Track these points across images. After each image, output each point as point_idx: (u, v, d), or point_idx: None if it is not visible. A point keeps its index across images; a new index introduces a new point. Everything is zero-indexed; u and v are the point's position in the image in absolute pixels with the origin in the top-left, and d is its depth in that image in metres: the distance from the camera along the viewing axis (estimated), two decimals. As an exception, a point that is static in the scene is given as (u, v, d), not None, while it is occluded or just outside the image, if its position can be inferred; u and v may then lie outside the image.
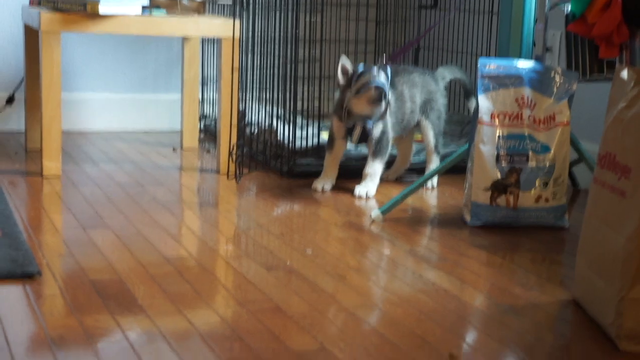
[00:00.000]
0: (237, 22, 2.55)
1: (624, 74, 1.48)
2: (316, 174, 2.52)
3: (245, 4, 2.67)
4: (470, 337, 1.45)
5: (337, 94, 2.46)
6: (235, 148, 2.56)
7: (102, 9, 2.41)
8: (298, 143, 2.62)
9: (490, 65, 2.11)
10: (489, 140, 2.08)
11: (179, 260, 1.77)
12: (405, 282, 1.70)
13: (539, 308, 1.58)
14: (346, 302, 1.57)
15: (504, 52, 2.19)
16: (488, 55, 2.80)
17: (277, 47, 2.74)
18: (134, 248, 1.83)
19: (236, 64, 2.56)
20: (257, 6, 2.77)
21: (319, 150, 2.61)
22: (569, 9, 2.11)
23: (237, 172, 2.53)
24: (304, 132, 2.65)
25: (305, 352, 1.34)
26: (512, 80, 2.10)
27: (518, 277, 1.75)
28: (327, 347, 1.36)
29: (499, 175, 2.07)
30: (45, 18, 2.40)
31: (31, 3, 2.66)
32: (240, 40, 2.59)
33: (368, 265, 1.81)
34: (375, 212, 2.13)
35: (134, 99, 3.29)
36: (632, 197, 1.35)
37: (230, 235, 2.01)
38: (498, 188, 2.07)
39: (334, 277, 1.71)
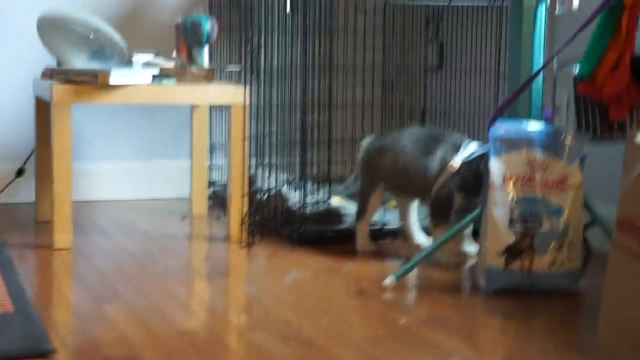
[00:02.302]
0: (247, 89, 2.56)
1: (639, 138, 1.47)
2: (327, 241, 2.51)
3: (254, 71, 2.69)
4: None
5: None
6: (247, 216, 2.55)
7: (113, 80, 2.43)
8: (308, 209, 2.61)
9: (501, 128, 2.11)
10: (501, 204, 2.07)
11: (193, 333, 1.75)
12: (424, 353, 1.68)
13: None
14: (364, 374, 1.54)
15: (513, 114, 2.19)
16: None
17: (286, 112, 2.76)
18: (147, 321, 1.81)
19: (246, 132, 2.57)
20: (266, 73, 2.79)
21: (328, 216, 2.61)
22: (577, 69, 2.12)
23: (249, 239, 2.52)
24: (314, 198, 2.64)
25: None
26: (523, 142, 2.09)
27: (536, 345, 1.72)
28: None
29: (513, 239, 2.05)
30: (57, 90, 2.41)
31: (44, 76, 2.67)
32: (250, 107, 2.60)
33: (384, 336, 1.78)
34: (388, 279, 2.11)
35: (143, 167, 3.29)
36: (653, 263, 1.34)
37: (242, 305, 1.99)
38: (512, 252, 2.05)
39: (351, 348, 1.68)
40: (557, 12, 2.31)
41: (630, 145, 1.50)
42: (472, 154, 2.31)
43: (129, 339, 1.70)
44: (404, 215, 2.52)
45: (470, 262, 2.35)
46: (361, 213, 2.48)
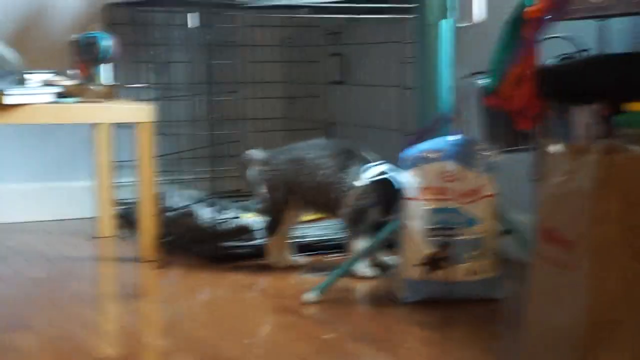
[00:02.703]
0: (151, 106, 2.52)
1: (553, 148, 1.50)
2: (241, 257, 2.48)
3: (159, 88, 2.64)
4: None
5: None
6: (160, 235, 2.50)
7: (7, 99, 2.34)
8: (220, 226, 2.57)
9: (412, 143, 2.13)
10: (417, 216, 2.08)
11: (114, 361, 1.69)
12: (349, 368, 1.67)
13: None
14: (294, 394, 1.52)
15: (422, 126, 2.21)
16: (401, 129, 2.82)
17: (191, 128, 2.72)
18: (62, 350, 1.75)
19: (152, 149, 2.52)
20: (171, 89, 2.75)
21: (240, 233, 2.57)
22: (484, 82, 2.15)
23: (162, 259, 2.47)
24: (225, 215, 2.61)
25: None
26: (435, 154, 2.12)
27: (457, 354, 1.74)
28: None
29: (430, 250, 2.07)
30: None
31: None
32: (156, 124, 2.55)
33: (311, 352, 1.76)
34: (308, 294, 2.10)
35: (40, 188, 3.19)
36: (576, 270, 1.36)
37: (161, 328, 1.94)
38: (430, 263, 2.07)
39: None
40: (458, 24, 2.35)
41: (544, 155, 1.53)
42: (381, 168, 2.33)
43: (45, 369, 1.63)
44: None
45: (388, 272, 2.35)
46: (273, 228, 2.46)
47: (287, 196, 2.43)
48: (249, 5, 2.75)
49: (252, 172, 2.45)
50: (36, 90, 2.43)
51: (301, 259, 2.48)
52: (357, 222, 2.32)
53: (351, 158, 2.39)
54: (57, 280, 2.31)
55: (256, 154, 2.48)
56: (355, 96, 3.17)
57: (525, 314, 1.54)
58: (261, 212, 2.51)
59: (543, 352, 1.46)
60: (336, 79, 3.20)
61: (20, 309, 2.04)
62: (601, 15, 1.96)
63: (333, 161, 2.39)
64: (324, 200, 2.39)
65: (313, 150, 2.43)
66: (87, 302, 2.11)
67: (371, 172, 2.34)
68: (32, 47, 3.08)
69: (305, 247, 2.54)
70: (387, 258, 2.41)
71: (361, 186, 2.32)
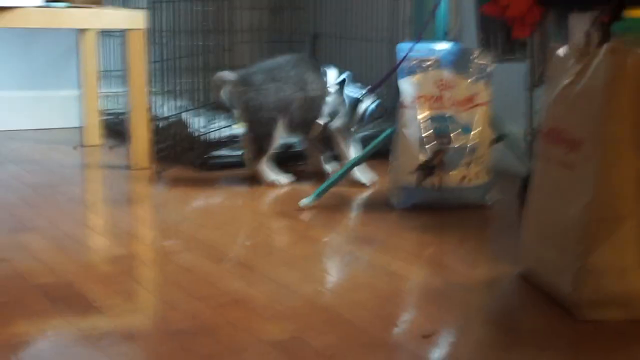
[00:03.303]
0: (143, 13, 2.50)
1: (561, 51, 1.53)
2: (231, 166, 2.50)
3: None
4: (435, 315, 1.47)
5: None
6: (154, 143, 2.51)
7: (2, 1, 2.31)
8: (211, 135, 2.59)
9: (409, 49, 2.15)
10: (412, 124, 2.11)
11: (121, 259, 1.72)
12: (353, 267, 1.72)
13: (486, 283, 1.62)
14: (303, 290, 1.56)
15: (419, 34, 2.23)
16: (392, 40, 2.83)
17: (182, 38, 2.71)
18: (70, 249, 1.77)
19: (144, 57, 2.51)
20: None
21: (232, 142, 2.59)
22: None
23: (157, 167, 2.49)
24: (216, 124, 2.62)
25: (278, 342, 1.33)
26: (430, 63, 2.14)
27: (455, 255, 1.79)
28: (299, 335, 1.36)
29: (424, 157, 2.11)
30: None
31: None
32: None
33: (311, 253, 1.81)
34: (304, 200, 2.13)
35: (23, 96, 3.17)
36: (583, 168, 1.41)
37: (162, 230, 1.97)
38: (424, 170, 2.11)
39: (282, 266, 1.70)
40: None
41: (553, 59, 1.56)
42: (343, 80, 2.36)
43: (55, 267, 1.66)
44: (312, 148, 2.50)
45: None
46: (262, 152, 2.38)
47: (274, 115, 2.37)
48: None
49: (225, 94, 2.39)
50: (28, -5, 2.40)
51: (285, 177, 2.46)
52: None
53: (315, 72, 2.40)
54: (53, 186, 2.32)
55: (228, 75, 2.39)
56: (344, 7, 3.16)
57: (527, 212, 1.59)
58: (246, 137, 2.42)
59: (545, 249, 1.52)
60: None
61: (22, 213, 2.05)
62: None
63: (315, 74, 2.39)
64: (312, 115, 2.39)
65: (289, 66, 2.40)
66: (86, 206, 2.13)
67: (332, 78, 2.39)
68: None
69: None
70: (362, 175, 2.41)
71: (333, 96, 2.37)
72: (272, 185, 2.36)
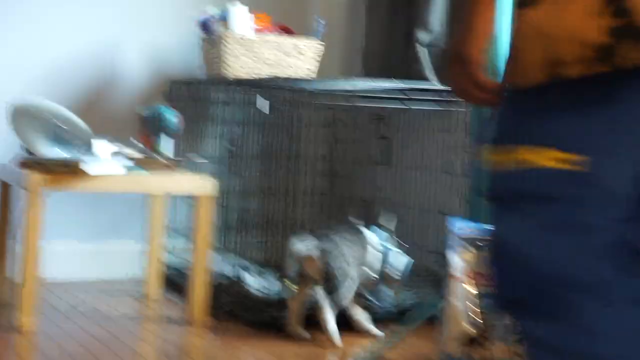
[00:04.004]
0: (215, 180, 2.69)
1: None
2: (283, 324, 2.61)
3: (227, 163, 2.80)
4: None
5: None
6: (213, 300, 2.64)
7: (92, 171, 2.50)
8: (269, 295, 2.71)
9: (460, 225, 2.28)
10: (461, 296, 2.22)
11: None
12: None
13: None
14: None
15: (475, 214, 2.37)
16: (448, 213, 2.96)
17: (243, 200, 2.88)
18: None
19: (211, 219, 2.68)
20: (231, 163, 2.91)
21: (283, 300, 2.71)
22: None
23: (215, 323, 2.61)
24: (273, 284, 2.75)
25: None
26: (483, 242, 2.26)
27: None
28: None
29: (471, 330, 2.20)
30: (34, 177, 2.48)
31: (22, 165, 2.64)
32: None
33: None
34: (356, 364, 2.23)
35: (93, 248, 3.33)
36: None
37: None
38: (473, 343, 2.20)
39: None
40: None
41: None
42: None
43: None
44: None
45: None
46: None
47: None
48: (304, 88, 2.94)
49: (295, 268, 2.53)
50: (113, 161, 2.59)
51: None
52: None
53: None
54: (115, 338, 2.44)
55: (307, 250, 2.52)
56: (398, 178, 3.33)
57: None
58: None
59: None
60: (382, 160, 3.36)
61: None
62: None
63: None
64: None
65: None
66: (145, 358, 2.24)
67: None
68: (97, 116, 3.26)
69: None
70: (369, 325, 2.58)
71: None
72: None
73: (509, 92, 1.09)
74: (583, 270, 0.99)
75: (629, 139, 0.99)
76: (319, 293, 2.47)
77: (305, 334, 2.53)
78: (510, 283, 1.04)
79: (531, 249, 1.02)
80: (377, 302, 2.69)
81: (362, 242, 2.63)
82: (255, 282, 2.77)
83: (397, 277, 2.67)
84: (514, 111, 1.07)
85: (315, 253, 2.48)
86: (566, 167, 1.00)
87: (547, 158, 1.00)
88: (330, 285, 2.48)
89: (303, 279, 2.51)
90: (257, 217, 2.86)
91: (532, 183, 1.03)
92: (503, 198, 1.06)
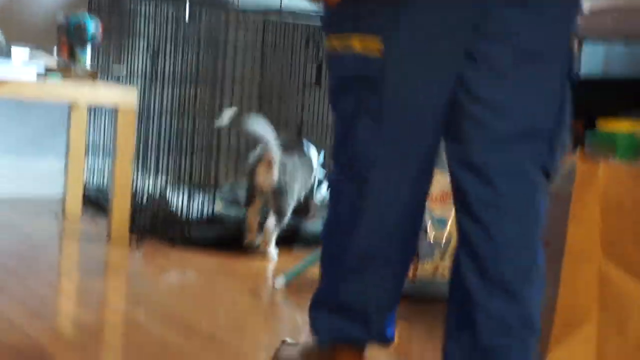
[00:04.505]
0: (135, 91, 2.57)
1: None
2: (210, 243, 2.54)
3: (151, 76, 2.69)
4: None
5: None
6: (133, 217, 2.55)
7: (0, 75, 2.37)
8: (192, 213, 2.64)
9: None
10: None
11: (93, 327, 1.75)
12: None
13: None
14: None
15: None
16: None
17: (168, 118, 2.78)
18: (42, 314, 1.79)
19: (132, 134, 2.57)
20: (151, 78, 2.80)
21: (213, 220, 2.64)
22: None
23: (135, 240, 2.52)
24: (198, 203, 2.67)
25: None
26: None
27: (417, 347, 1.82)
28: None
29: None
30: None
31: None
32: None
33: (286, 333, 1.84)
34: (278, 281, 2.17)
35: (10, 163, 3.21)
36: (549, 269, 1.46)
37: (137, 301, 2.00)
38: (398, 260, 2.16)
39: (256, 345, 1.73)
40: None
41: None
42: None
43: (26, 329, 1.68)
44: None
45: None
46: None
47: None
48: (234, 6, 2.82)
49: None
50: (22, 67, 2.46)
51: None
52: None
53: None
54: (31, 253, 2.34)
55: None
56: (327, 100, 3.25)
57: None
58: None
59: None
60: (312, 81, 3.28)
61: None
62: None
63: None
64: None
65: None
66: (62, 274, 2.15)
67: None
68: (14, 22, 3.10)
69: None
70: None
71: None
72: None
73: None
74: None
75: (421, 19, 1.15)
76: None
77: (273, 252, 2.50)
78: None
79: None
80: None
81: (310, 165, 2.64)
82: (178, 199, 2.68)
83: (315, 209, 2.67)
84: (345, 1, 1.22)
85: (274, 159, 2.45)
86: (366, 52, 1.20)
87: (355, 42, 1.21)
88: (278, 201, 2.45)
89: (255, 189, 2.49)
90: (184, 137, 2.75)
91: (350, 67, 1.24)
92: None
